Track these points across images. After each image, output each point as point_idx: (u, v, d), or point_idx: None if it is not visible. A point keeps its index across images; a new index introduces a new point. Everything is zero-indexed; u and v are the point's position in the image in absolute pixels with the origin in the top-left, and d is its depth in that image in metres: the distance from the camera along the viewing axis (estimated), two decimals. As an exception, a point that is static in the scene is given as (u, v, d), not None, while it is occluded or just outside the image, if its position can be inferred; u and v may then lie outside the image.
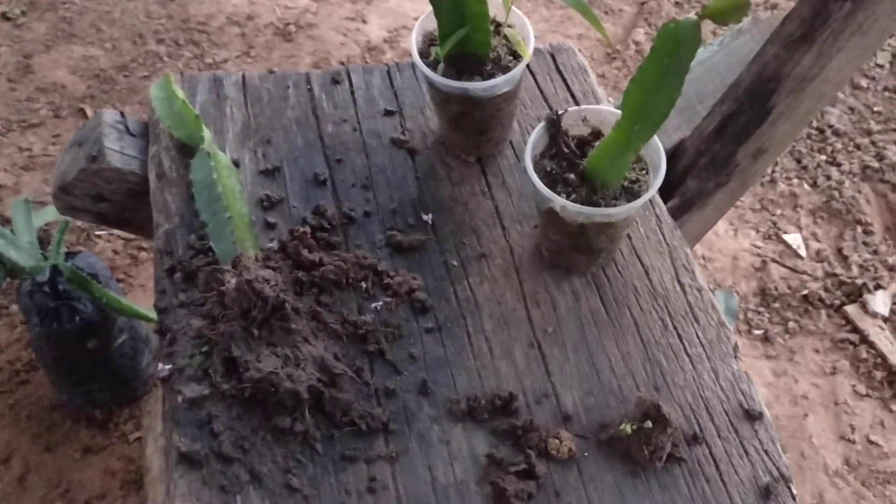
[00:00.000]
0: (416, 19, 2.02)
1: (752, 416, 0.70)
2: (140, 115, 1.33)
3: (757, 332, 1.37)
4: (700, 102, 0.90)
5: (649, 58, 0.62)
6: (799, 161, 1.60)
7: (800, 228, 1.50)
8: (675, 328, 0.76)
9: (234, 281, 0.70)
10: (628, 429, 0.67)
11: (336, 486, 0.66)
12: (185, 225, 0.79)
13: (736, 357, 0.74)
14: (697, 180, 0.89)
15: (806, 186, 1.56)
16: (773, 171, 1.58)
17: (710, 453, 0.69)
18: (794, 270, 1.43)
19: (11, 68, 1.77)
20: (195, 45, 1.84)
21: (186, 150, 0.82)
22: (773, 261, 1.45)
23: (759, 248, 1.47)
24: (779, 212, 1.53)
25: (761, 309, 1.39)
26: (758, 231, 1.51)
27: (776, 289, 1.42)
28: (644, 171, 0.73)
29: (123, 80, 1.76)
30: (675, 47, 0.60)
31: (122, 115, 0.87)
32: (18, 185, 1.57)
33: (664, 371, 0.73)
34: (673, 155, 0.91)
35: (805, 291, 1.41)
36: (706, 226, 0.95)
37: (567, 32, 1.92)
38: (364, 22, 1.93)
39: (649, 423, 0.67)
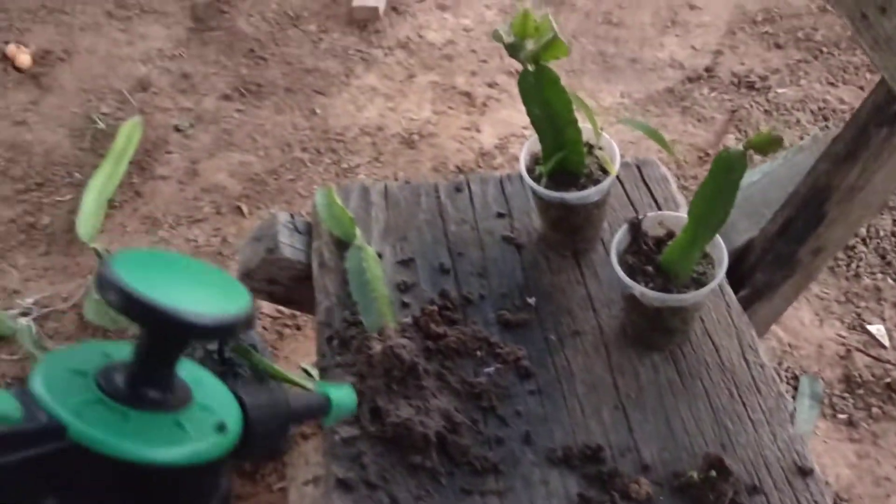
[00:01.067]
0: (524, 128, 2.26)
1: (805, 472, 0.83)
2: (292, 212, 1.59)
3: (841, 416, 1.46)
4: (766, 208, 1.06)
5: (708, 178, 0.80)
6: (883, 257, 1.70)
7: (883, 320, 1.59)
8: (740, 397, 0.90)
9: (379, 347, 0.90)
10: (696, 476, 0.81)
11: (456, 512, 0.83)
12: (340, 303, 1.00)
13: (791, 423, 0.88)
14: (764, 274, 1.03)
15: (890, 281, 1.66)
16: (858, 266, 1.68)
17: (767, 501, 0.82)
18: (877, 359, 1.52)
19: (181, 172, 2.10)
20: (333, 153, 2.12)
21: (342, 244, 1.04)
22: (858, 350, 1.54)
23: (843, 337, 1.57)
24: (863, 304, 1.62)
25: (846, 395, 1.48)
26: (843, 322, 1.61)
27: (860, 376, 1.51)
28: (710, 265, 0.89)
29: (273, 183, 2.05)
30: (728, 170, 0.78)
31: (292, 216, 1.11)
32: (185, 271, 1.86)
33: (729, 432, 0.87)
34: (743, 252, 1.07)
35: (888, 379, 1.49)
36: (776, 314, 1.09)
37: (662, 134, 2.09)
38: (478, 131, 2.17)
39: (714, 473, 0.81)
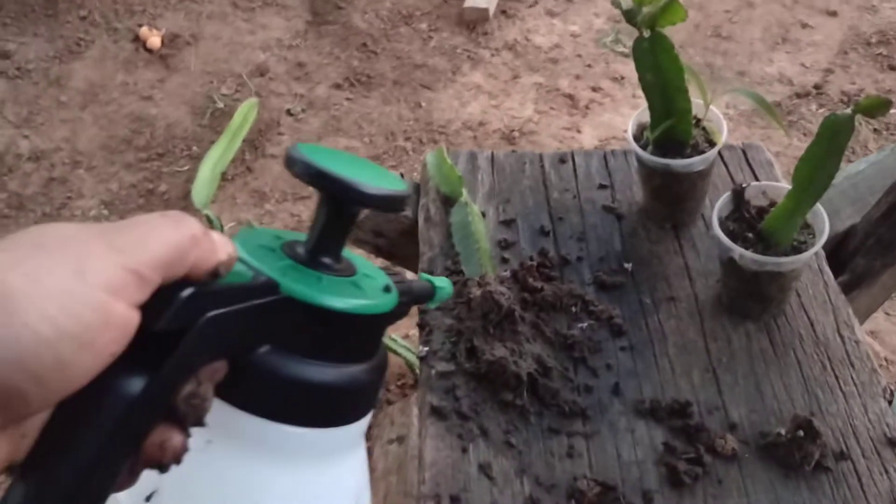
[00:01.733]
0: (624, 131, 2.27)
1: (895, 444, 0.83)
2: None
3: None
4: (871, 196, 1.05)
5: (814, 142, 0.81)
6: None
7: None
8: (833, 370, 0.91)
9: (479, 291, 0.95)
10: (783, 432, 0.82)
11: (543, 449, 0.86)
12: (443, 253, 1.05)
13: (884, 398, 0.87)
14: (865, 259, 1.03)
15: None
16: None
17: (854, 468, 0.82)
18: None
19: (291, 152, 2.20)
20: (435, 144, 2.19)
21: (448, 201, 1.09)
22: (959, 367, 1.50)
23: (944, 354, 1.53)
24: (968, 322, 1.57)
25: (943, 410, 1.44)
26: (945, 339, 1.56)
27: (960, 393, 1.46)
28: (811, 236, 0.91)
29: (376, 167, 2.14)
30: (834, 134, 0.79)
31: (402, 175, 1.17)
32: (288, 242, 1.95)
33: (819, 401, 0.88)
34: (845, 237, 1.07)
35: None
36: (874, 303, 1.08)
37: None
38: (578, 132, 2.21)
39: (801, 433, 0.82)
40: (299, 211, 2.04)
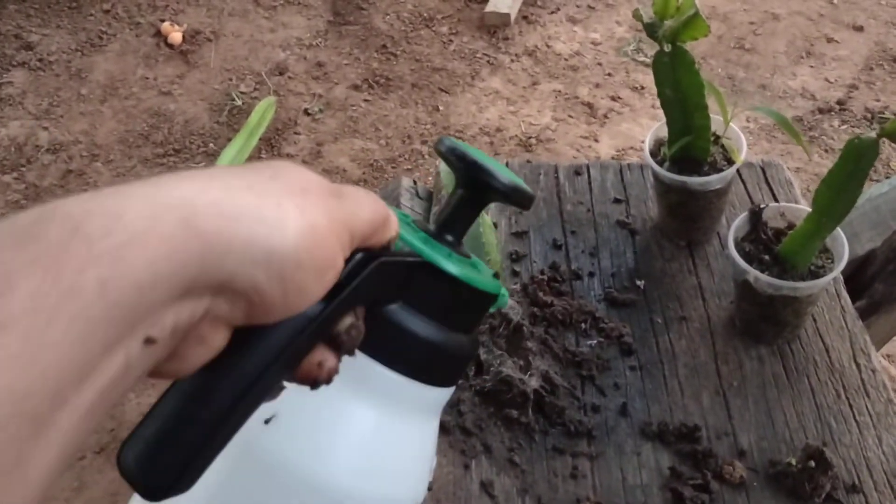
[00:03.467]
0: (642, 141, 2.25)
1: (910, 478, 0.81)
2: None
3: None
4: (893, 219, 1.03)
5: (837, 164, 0.79)
6: None
7: None
8: (847, 399, 0.88)
9: (487, 304, 0.93)
10: (793, 461, 0.80)
11: (546, 468, 0.84)
12: (453, 264, 1.04)
13: (901, 429, 0.85)
14: (885, 284, 1.01)
15: None
16: None
17: (866, 502, 0.80)
18: None
19: (306, 152, 2.20)
20: (451, 148, 2.18)
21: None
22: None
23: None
24: None
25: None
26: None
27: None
28: (830, 261, 0.88)
29: (391, 171, 2.13)
30: (858, 158, 0.77)
31: (415, 182, 1.16)
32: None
33: (832, 431, 0.86)
34: (864, 262, 1.04)
35: None
36: (893, 330, 1.06)
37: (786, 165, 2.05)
38: (596, 140, 2.19)
39: (812, 463, 0.80)
40: (313, 212, 2.03)
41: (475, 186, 0.42)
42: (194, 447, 0.32)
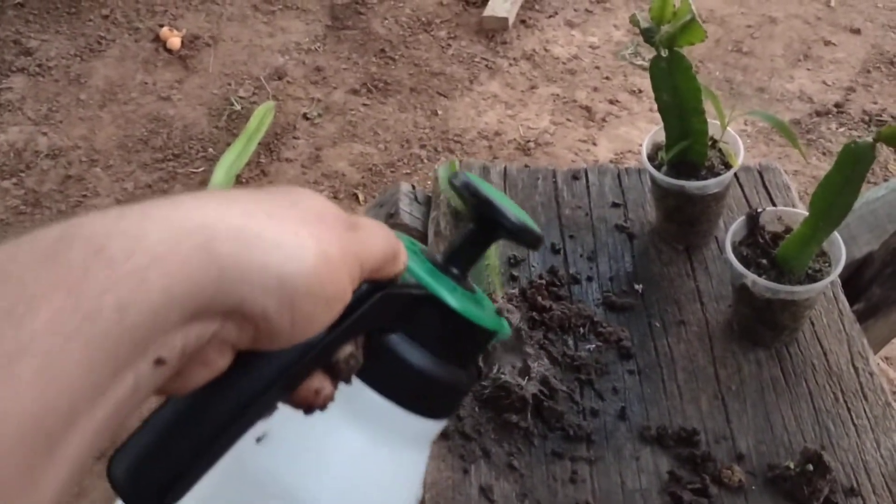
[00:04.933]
0: (640, 145, 2.26)
1: (908, 481, 0.81)
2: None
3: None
4: (890, 223, 1.03)
5: (833, 169, 0.80)
6: None
7: None
8: (846, 402, 0.89)
9: (486, 309, 0.93)
10: (791, 465, 0.80)
11: (546, 473, 0.85)
12: (451, 268, 1.04)
13: (899, 431, 0.85)
14: (882, 288, 1.01)
15: None
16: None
17: (865, 504, 0.80)
18: None
19: (305, 157, 2.20)
20: (450, 153, 2.19)
21: (459, 215, 1.08)
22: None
23: (961, 383, 1.50)
24: None
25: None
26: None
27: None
28: (827, 264, 0.89)
29: (390, 175, 2.13)
30: (854, 163, 0.78)
31: (414, 187, 1.16)
32: (300, 247, 1.95)
33: (830, 434, 0.86)
34: (861, 265, 1.04)
35: None
36: (890, 333, 1.06)
37: (784, 168, 2.06)
38: (594, 144, 2.19)
39: (811, 467, 0.80)
40: (312, 216, 2.03)
41: (486, 223, 0.42)
42: (184, 463, 0.32)
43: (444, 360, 0.40)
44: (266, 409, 0.34)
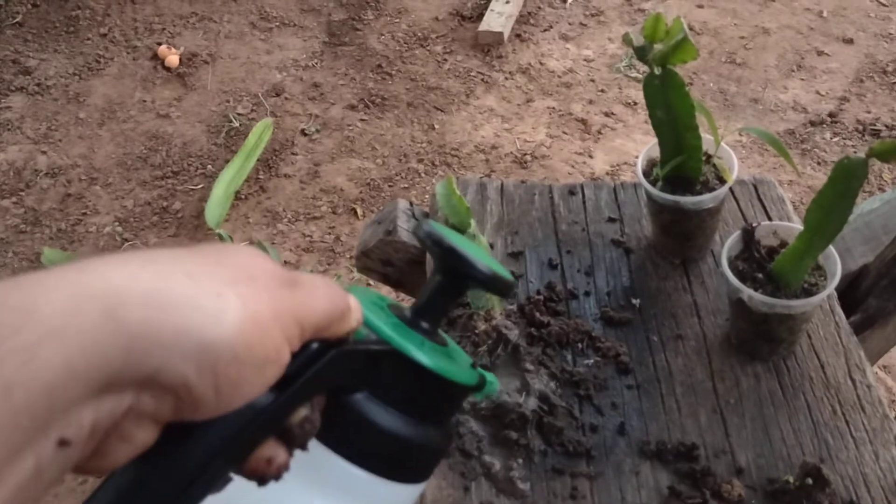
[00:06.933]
0: (636, 157, 2.26)
1: (907, 493, 0.81)
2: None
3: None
4: (885, 235, 1.04)
5: (827, 185, 0.81)
6: None
7: None
8: (844, 415, 0.89)
9: (484, 325, 0.94)
10: (791, 481, 0.81)
11: (546, 489, 0.85)
12: (450, 285, 1.04)
13: (897, 443, 0.86)
14: (878, 299, 1.02)
15: None
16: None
17: (865, 518, 0.80)
18: None
19: (304, 172, 2.21)
20: (447, 166, 2.20)
21: (457, 231, 1.09)
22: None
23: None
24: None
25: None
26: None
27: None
28: (822, 278, 0.89)
29: (388, 189, 2.14)
30: (848, 178, 0.78)
31: (412, 204, 1.17)
32: (299, 263, 1.95)
33: (829, 447, 0.86)
34: (857, 277, 1.05)
35: None
36: (887, 344, 1.07)
37: (779, 178, 2.07)
38: (590, 157, 2.20)
39: (810, 481, 0.81)
40: (311, 231, 2.04)
41: (453, 274, 0.40)
42: None
43: (415, 419, 0.37)
44: (214, 483, 0.31)
